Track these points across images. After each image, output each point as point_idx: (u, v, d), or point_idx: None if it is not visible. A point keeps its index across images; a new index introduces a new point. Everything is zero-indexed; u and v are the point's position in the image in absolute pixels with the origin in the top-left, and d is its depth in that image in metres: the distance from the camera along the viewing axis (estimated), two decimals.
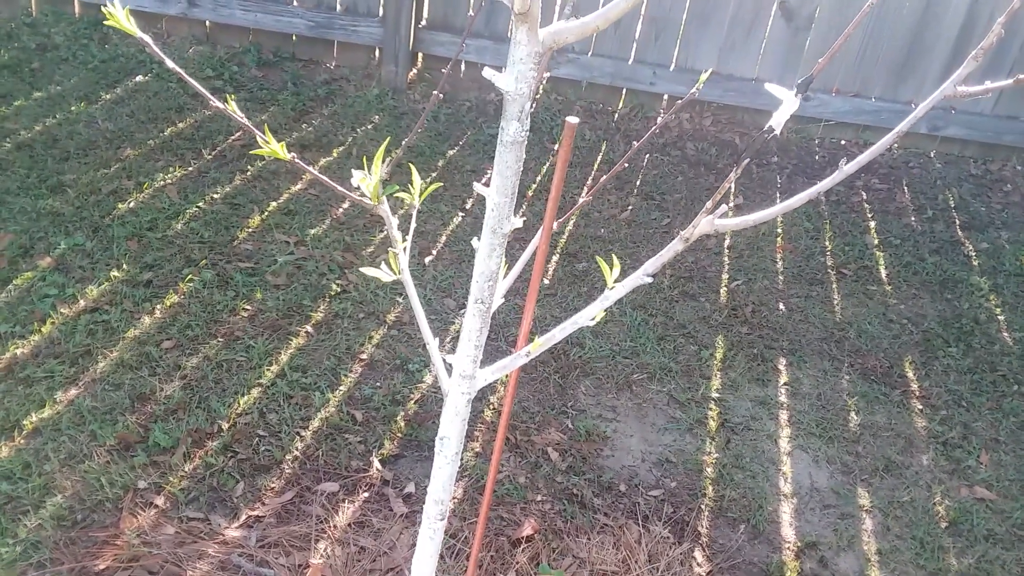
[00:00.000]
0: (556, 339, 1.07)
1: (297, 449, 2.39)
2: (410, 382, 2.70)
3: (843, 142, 4.85)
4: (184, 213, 3.30)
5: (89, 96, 4.01)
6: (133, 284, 2.88)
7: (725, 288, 3.45)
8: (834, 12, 4.51)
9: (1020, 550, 2.46)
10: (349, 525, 2.19)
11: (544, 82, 4.85)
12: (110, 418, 2.37)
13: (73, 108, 3.88)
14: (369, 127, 4.24)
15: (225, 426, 2.41)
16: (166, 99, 4.10)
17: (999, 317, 3.52)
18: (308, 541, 2.12)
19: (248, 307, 2.88)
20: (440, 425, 1.14)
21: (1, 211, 3.09)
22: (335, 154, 3.94)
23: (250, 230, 3.28)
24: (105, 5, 1.04)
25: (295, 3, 4.63)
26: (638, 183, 4.16)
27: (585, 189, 4.02)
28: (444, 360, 1.12)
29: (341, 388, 2.63)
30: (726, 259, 3.66)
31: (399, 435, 2.50)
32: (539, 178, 4.05)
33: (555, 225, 1.14)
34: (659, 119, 4.62)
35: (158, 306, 2.81)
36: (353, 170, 1.10)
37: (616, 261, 1.06)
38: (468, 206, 3.69)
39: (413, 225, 1.18)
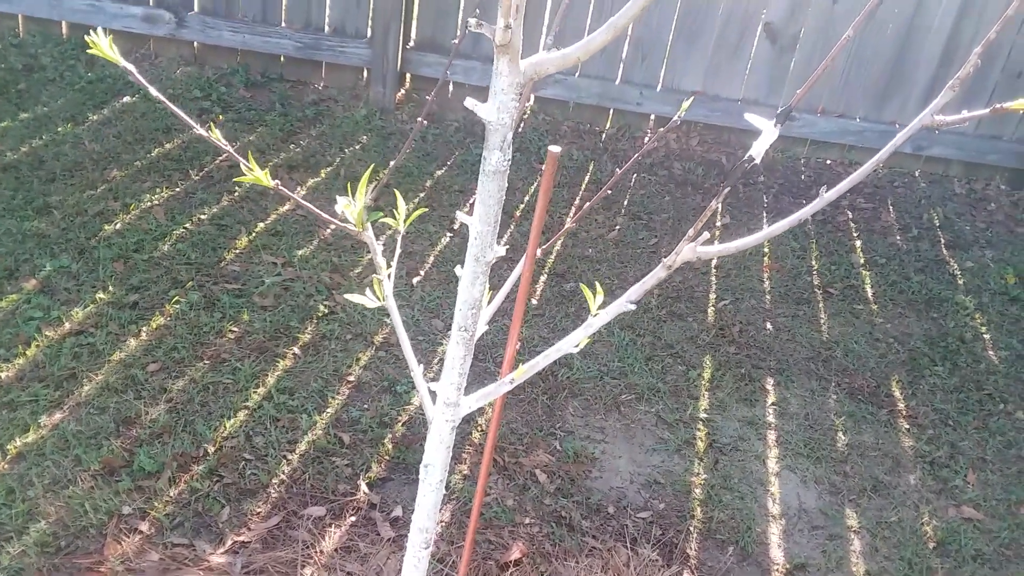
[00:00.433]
0: (540, 366, 1.07)
1: (283, 473, 2.38)
2: (398, 404, 2.69)
3: (828, 162, 4.89)
4: (171, 234, 3.29)
5: (76, 117, 4.01)
6: (119, 306, 2.87)
7: (713, 308, 3.46)
8: (818, 33, 4.56)
9: (1008, 570, 2.47)
10: (335, 550, 2.17)
11: (532, 103, 4.88)
12: (95, 442, 2.35)
13: (60, 129, 3.88)
14: (357, 148, 4.25)
15: (211, 450, 2.40)
16: (153, 120, 4.10)
17: (984, 336, 3.54)
18: (294, 567, 2.10)
19: (235, 329, 2.87)
20: (424, 453, 1.13)
21: None
22: (323, 175, 3.95)
23: (237, 251, 3.27)
24: (90, 33, 1.04)
25: (283, 24, 4.65)
26: (626, 203, 4.18)
27: (573, 209, 4.03)
28: (428, 388, 1.12)
29: (328, 410, 2.62)
30: (713, 279, 3.67)
31: (387, 458, 2.49)
32: (527, 198, 4.06)
33: (539, 252, 1.14)
34: (646, 140, 4.65)
35: (144, 328, 2.80)
36: (337, 196, 1.10)
37: (600, 288, 1.06)
38: (456, 226, 3.70)
39: (398, 251, 1.19)
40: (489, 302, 1.14)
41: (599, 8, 4.59)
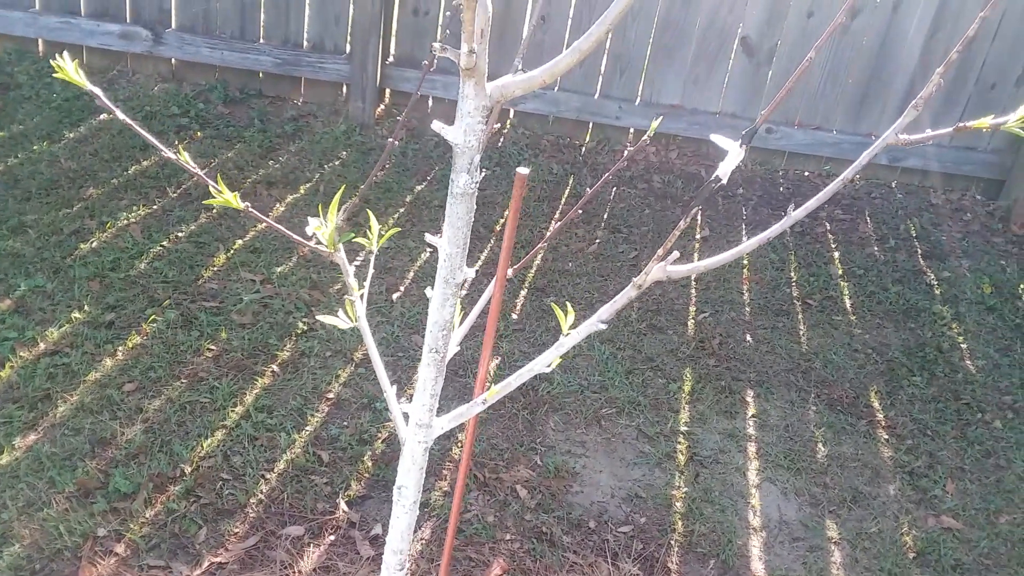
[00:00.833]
0: (513, 386, 1.07)
1: (262, 492, 2.36)
2: (377, 420, 2.67)
3: (806, 173, 4.93)
4: (148, 252, 3.27)
5: (52, 135, 3.98)
6: (95, 326, 2.84)
7: (692, 320, 3.47)
8: (795, 47, 4.60)
9: None
10: (314, 570, 2.15)
11: (512, 117, 4.89)
12: (69, 464, 2.32)
13: (35, 147, 3.85)
14: (336, 163, 4.24)
15: (188, 470, 2.37)
16: (130, 137, 4.08)
17: (961, 345, 3.57)
18: None
19: (213, 347, 2.85)
20: (398, 474, 1.13)
21: None
22: (302, 191, 3.94)
23: (215, 268, 3.25)
24: (65, 52, 1.03)
25: (262, 41, 4.64)
26: (606, 216, 4.19)
27: (552, 223, 4.04)
28: (401, 410, 1.12)
29: (307, 428, 2.60)
30: (693, 291, 3.68)
31: (366, 475, 2.47)
32: (506, 212, 4.06)
33: (511, 272, 1.14)
34: (624, 153, 4.67)
35: (120, 348, 2.78)
36: (309, 218, 1.10)
37: (571, 308, 1.06)
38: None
39: (371, 272, 1.18)
40: (461, 323, 1.13)
41: (577, 23, 4.61)
